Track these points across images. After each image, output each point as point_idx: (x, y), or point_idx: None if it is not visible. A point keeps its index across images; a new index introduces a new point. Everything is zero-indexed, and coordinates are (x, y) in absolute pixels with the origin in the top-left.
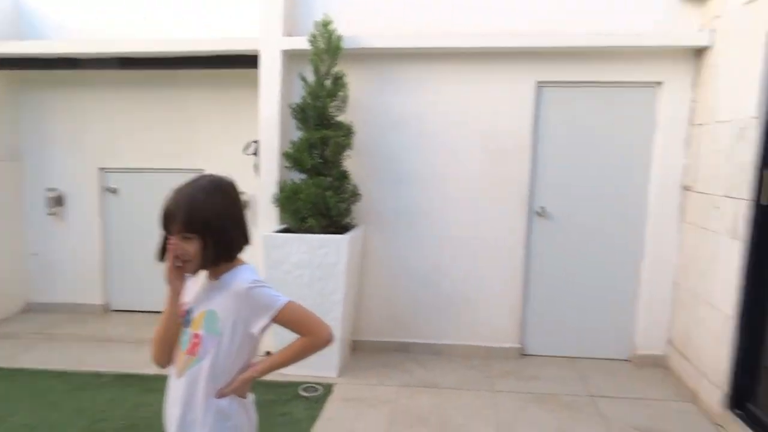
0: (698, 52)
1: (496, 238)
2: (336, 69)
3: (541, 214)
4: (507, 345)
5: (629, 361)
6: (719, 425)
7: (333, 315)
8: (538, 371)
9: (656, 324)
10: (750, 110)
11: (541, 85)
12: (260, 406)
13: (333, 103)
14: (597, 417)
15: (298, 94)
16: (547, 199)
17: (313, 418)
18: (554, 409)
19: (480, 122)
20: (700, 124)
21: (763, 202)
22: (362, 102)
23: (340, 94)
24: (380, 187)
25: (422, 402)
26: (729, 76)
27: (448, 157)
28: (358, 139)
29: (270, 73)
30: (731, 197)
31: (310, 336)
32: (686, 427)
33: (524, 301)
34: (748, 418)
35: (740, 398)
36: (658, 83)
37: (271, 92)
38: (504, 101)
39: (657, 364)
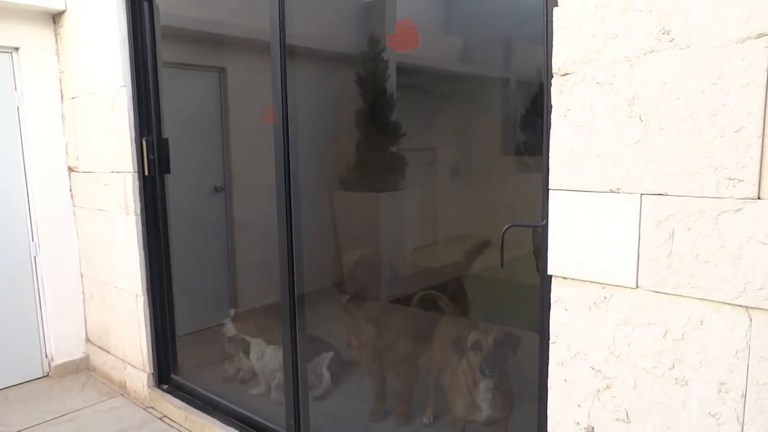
0: (57, 17)
1: None
2: None
3: None
4: None
5: (49, 376)
6: (150, 407)
7: None
8: None
9: (70, 325)
10: (117, 79)
11: None
12: None
13: None
14: None
15: None
16: None
17: None
18: None
19: None
20: (74, 98)
21: (147, 173)
22: None
23: None
24: None
25: None
26: (91, 43)
27: None
28: None
29: None
30: (118, 172)
31: None
32: (118, 423)
33: None
34: (175, 389)
35: (164, 373)
36: (16, 49)
37: None
38: None
39: (80, 368)
